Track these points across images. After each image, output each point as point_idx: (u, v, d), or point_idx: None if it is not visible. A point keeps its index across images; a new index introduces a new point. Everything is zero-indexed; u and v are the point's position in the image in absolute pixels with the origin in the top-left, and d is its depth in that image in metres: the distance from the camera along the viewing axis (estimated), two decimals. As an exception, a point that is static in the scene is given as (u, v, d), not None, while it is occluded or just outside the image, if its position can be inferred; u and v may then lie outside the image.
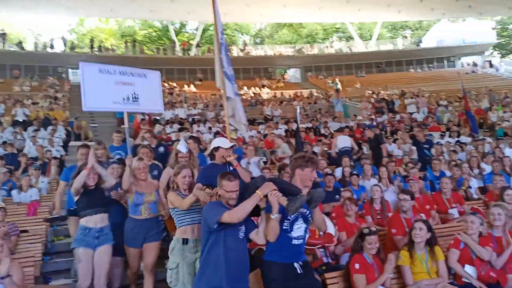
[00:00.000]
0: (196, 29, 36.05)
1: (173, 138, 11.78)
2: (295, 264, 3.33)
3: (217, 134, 12.99)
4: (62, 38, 30.28)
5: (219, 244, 3.24)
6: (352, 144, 9.88)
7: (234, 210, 3.19)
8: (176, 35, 35.35)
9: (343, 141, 9.83)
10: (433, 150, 9.59)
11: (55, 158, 10.46)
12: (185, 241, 3.87)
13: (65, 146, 12.96)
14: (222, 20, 5.65)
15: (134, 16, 35.30)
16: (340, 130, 11.18)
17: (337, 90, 23.05)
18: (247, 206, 3.16)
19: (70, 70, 29.12)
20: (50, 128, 13.77)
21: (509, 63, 33.83)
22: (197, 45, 32.54)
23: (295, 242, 3.34)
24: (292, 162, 3.54)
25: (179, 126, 14.82)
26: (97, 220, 4.39)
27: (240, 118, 5.78)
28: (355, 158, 9.69)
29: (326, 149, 10.62)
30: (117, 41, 38.23)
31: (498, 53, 40.63)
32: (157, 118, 16.11)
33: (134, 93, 4.93)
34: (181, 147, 5.05)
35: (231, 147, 4.39)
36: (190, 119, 16.44)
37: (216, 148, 4.39)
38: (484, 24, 36.44)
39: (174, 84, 25.49)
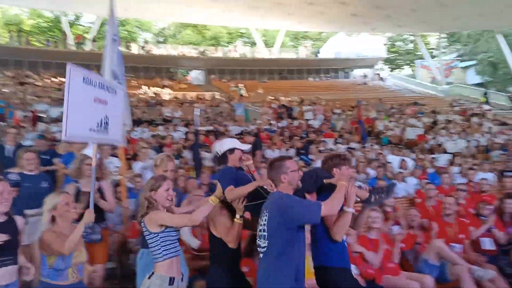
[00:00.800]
0: (93, 23, 33.69)
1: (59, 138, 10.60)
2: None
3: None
4: None
5: (293, 244, 2.78)
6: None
7: (329, 203, 2.77)
8: (70, 27, 32.62)
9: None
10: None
11: None
12: (171, 281, 2.94)
13: None
14: (122, 15, 5.23)
15: (18, 4, 31.77)
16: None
17: (241, 96, 23.22)
18: (338, 197, 2.80)
19: None
20: None
21: (396, 76, 37.42)
22: (93, 40, 30.38)
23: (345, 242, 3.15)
24: (327, 162, 3.34)
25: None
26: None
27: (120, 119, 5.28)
28: None
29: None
30: (0, 29, 34.19)
31: (387, 67, 44.65)
32: (42, 115, 14.56)
33: (106, 117, 3.62)
34: (90, 151, 4.11)
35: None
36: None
37: (232, 150, 3.64)
38: (376, 40, 39.83)
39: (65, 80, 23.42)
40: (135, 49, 30.35)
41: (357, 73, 36.72)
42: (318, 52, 38.26)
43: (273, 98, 23.73)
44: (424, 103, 23.75)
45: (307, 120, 17.85)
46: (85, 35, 32.35)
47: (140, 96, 21.62)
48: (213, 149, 3.89)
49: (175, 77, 30.61)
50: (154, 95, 22.47)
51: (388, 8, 25.76)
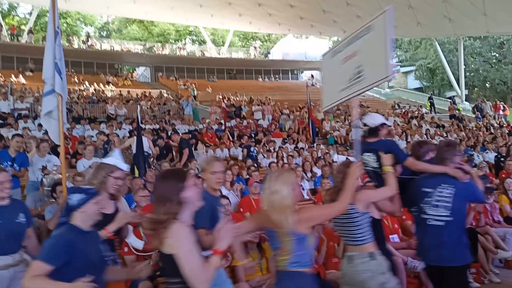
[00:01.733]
0: (30, 14, 31.69)
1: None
2: None
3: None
4: None
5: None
6: (151, 148, 9.46)
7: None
8: (3, 17, 30.45)
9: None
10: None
11: None
12: None
13: None
14: (63, 7, 4.88)
15: None
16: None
17: (195, 97, 22.87)
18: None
19: None
20: None
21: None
22: (30, 32, 28.55)
23: None
24: (443, 152, 3.51)
25: (1, 121, 12.64)
26: None
27: (55, 116, 4.94)
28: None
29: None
30: None
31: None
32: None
33: (359, 66, 3.32)
34: (119, 163, 3.38)
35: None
36: (16, 114, 14.14)
37: (383, 125, 3.86)
38: (324, 42, 40.82)
39: (-1, 73, 21.89)
40: (76, 43, 28.91)
41: (306, 74, 37.43)
42: (269, 53, 38.59)
43: (222, 97, 23.58)
44: (368, 105, 24.64)
45: (257, 119, 17.90)
46: (22, 26, 30.36)
47: (81, 92, 20.61)
48: (362, 121, 3.90)
49: (120, 74, 29.51)
50: (94, 91, 21.53)
51: (334, 13, 26.51)
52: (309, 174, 8.78)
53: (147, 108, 18.05)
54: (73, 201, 2.55)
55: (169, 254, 2.05)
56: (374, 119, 3.83)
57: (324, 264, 4.67)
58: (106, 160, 3.41)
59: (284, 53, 38.02)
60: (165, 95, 23.32)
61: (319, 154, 10.90)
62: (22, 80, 21.84)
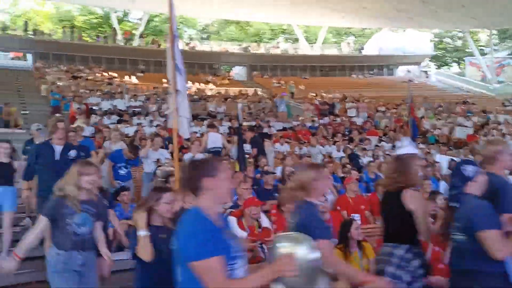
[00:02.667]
0: (140, 19, 34.77)
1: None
2: None
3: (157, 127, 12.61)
4: (-9, 18, 27.97)
5: None
6: (224, 143, 9.68)
7: None
8: (119, 23, 33.87)
9: (214, 140, 9.42)
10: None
11: (-18, 144, 9.50)
12: None
13: (-9, 132, 11.88)
14: (168, 11, 5.36)
15: (72, 1, 33.36)
16: (211, 126, 10.45)
17: (292, 93, 23.30)
18: None
19: (0, 53, 27.06)
20: (-24, 113, 12.57)
21: (444, 74, 36.12)
22: (141, 36, 31.38)
23: None
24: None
25: (118, 118, 14.18)
26: None
27: (184, 113, 5.50)
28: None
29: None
30: (54, 25, 35.93)
31: (434, 65, 43.21)
32: (94, 108, 15.28)
33: None
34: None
35: None
36: (130, 111, 15.74)
37: None
38: (423, 36, 38.57)
39: (115, 75, 24.40)
40: (180, 45, 31.03)
41: (403, 70, 35.76)
42: (362, 49, 37.56)
43: (314, 94, 23.62)
44: (474, 102, 22.86)
45: (350, 117, 17.67)
46: (133, 31, 33.46)
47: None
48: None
49: (219, 73, 31.07)
50: (197, 90, 22.95)
51: (436, 3, 24.93)
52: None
53: (243, 106, 18.80)
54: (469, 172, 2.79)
55: None
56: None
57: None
58: (403, 150, 3.40)
59: (379, 48, 36.69)
60: (260, 93, 24.05)
61: (420, 155, 10.47)
62: (134, 80, 24.10)
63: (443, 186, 7.62)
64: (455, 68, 43.33)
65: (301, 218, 2.66)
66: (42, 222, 3.21)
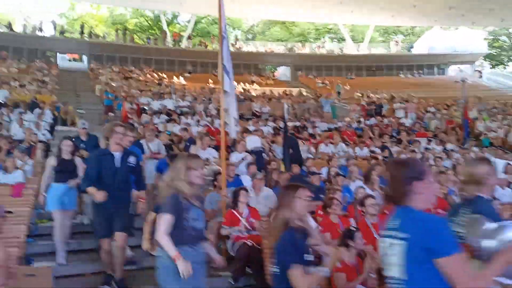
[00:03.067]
0: (188, 21, 35.67)
1: (160, 129, 11.49)
2: None
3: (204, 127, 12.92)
4: (52, 22, 29.71)
5: None
6: (263, 144, 9.73)
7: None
8: (168, 25, 34.94)
9: (254, 141, 9.57)
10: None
11: (40, 141, 10.20)
12: None
13: (51, 130, 12.68)
14: (215, 13, 5.56)
15: (125, 4, 34.80)
16: (246, 131, 10.57)
17: (339, 93, 23.10)
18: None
19: (58, 55, 28.65)
20: (37, 111, 13.42)
21: (499, 74, 34.32)
22: (189, 37, 32.21)
23: None
24: None
25: (167, 117, 14.62)
26: None
27: (232, 113, 5.69)
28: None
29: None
30: (108, 28, 37.65)
31: (488, 64, 41.19)
32: (145, 108, 15.85)
33: None
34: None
35: None
36: (178, 111, 16.21)
37: None
38: (476, 34, 36.85)
39: (164, 75, 25.21)
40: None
41: (453, 70, 34.35)
42: (412, 47, 36.43)
43: (361, 94, 23.24)
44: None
45: (398, 118, 17.25)
46: (182, 33, 34.38)
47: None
48: None
49: (263, 73, 31.28)
50: (242, 91, 23.23)
51: (490, 0, 23.80)
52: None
53: (288, 106, 18.84)
54: None
55: None
56: None
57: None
58: None
59: (429, 47, 35.43)
60: (304, 93, 23.98)
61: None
62: (182, 81, 24.80)
63: (499, 191, 7.31)
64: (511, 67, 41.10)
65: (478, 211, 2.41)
66: (168, 220, 3.08)
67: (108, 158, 4.72)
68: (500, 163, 9.05)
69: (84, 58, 29.00)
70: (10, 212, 5.71)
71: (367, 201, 5.04)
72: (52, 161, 5.79)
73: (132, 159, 4.83)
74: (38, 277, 4.07)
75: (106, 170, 4.65)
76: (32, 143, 9.96)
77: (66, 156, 5.70)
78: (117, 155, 4.74)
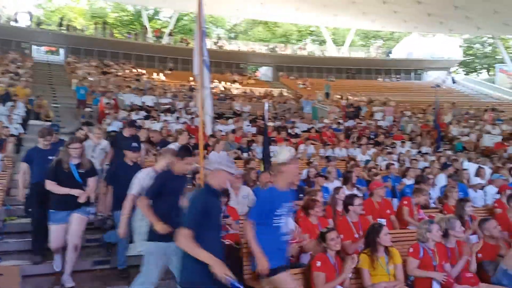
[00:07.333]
0: (170, 18, 35.30)
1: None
2: None
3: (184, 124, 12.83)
4: (28, 13, 28.83)
5: None
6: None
7: None
8: (149, 21, 34.49)
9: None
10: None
11: (12, 135, 9.94)
12: None
13: (23, 124, 12.33)
14: (197, 10, 5.46)
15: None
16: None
17: (327, 94, 23.25)
18: None
19: (34, 47, 27.88)
20: (9, 104, 13.00)
21: (472, 80, 35.31)
22: (170, 34, 31.87)
23: None
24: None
25: (146, 114, 14.45)
26: None
27: (207, 110, 5.62)
28: None
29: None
30: (87, 21, 36.90)
31: (462, 70, 42.29)
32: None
33: None
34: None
35: None
36: (159, 108, 16.03)
37: None
38: (452, 41, 37.80)
39: (144, 71, 24.90)
40: (208, 44, 31.40)
41: (431, 75, 35.12)
42: (390, 52, 37.12)
43: (340, 97, 23.50)
44: (503, 109, 22.30)
45: (376, 120, 17.52)
46: (163, 29, 33.97)
47: (211, 89, 22.38)
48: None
49: (245, 73, 31.25)
50: (223, 89, 23.17)
51: (468, 8, 24.47)
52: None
53: (269, 106, 18.89)
54: None
55: None
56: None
57: (457, 278, 4.38)
58: None
59: (408, 53, 36.16)
60: (285, 94, 24.10)
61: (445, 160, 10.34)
62: (161, 77, 24.54)
63: (472, 193, 7.52)
64: (484, 74, 42.31)
65: None
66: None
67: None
68: (472, 167, 9.34)
69: (61, 51, 28.36)
70: (-23, 209, 5.60)
71: (355, 201, 5.04)
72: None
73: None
74: (5, 276, 3.99)
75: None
76: (3, 137, 9.71)
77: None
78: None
